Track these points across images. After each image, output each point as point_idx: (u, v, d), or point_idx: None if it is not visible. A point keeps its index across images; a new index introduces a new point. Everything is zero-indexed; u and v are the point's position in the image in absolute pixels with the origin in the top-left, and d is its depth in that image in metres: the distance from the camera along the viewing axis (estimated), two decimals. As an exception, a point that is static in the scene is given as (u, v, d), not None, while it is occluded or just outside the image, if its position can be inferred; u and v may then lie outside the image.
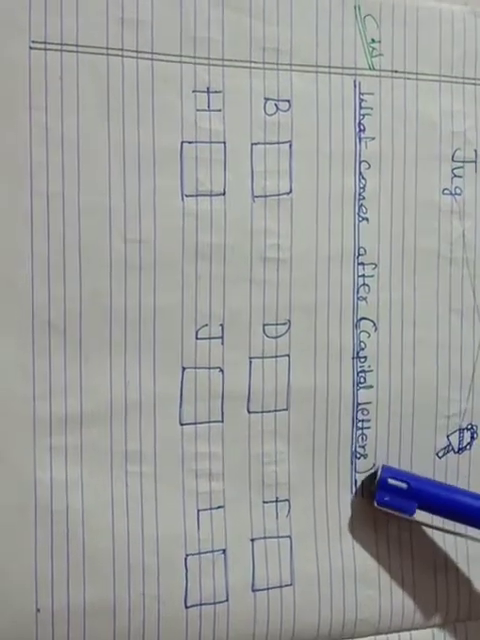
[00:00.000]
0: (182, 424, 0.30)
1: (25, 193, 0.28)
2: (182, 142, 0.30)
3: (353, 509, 0.33)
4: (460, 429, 0.34)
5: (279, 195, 0.31)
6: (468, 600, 0.34)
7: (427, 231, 0.33)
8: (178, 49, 0.30)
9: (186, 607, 0.30)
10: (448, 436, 0.34)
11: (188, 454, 0.30)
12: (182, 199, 0.30)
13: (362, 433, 0.33)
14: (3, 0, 0.28)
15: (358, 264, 0.32)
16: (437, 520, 0.33)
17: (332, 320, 0.32)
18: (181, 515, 0.30)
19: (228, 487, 0.31)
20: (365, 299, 0.33)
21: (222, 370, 0.31)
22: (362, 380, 0.33)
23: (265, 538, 0.32)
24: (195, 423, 0.31)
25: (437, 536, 0.34)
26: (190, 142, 0.30)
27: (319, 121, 0.32)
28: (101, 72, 0.29)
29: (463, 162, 0.34)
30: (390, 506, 0.31)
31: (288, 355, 0.32)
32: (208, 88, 0.30)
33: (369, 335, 0.33)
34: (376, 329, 0.33)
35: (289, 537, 0.32)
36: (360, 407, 0.33)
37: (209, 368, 0.31)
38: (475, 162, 0.34)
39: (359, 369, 0.33)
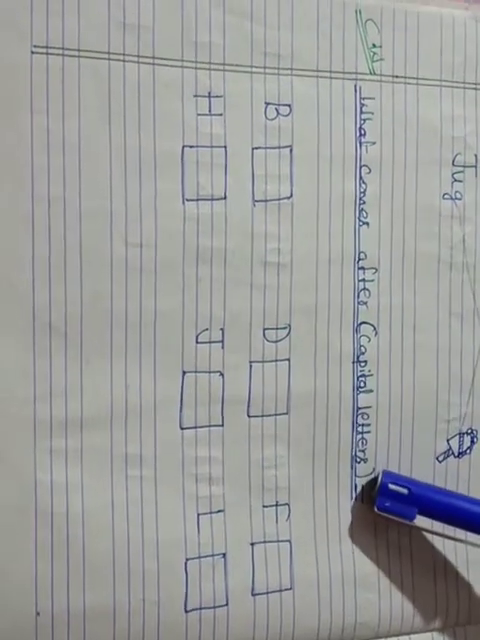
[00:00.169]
0: (182, 428, 0.30)
1: (26, 196, 0.28)
2: (183, 146, 0.30)
3: (353, 513, 0.33)
4: (460, 433, 0.34)
5: (280, 199, 0.31)
6: (468, 604, 0.34)
7: (427, 235, 0.33)
8: (179, 53, 0.30)
9: (186, 611, 0.30)
10: (448, 440, 0.34)
11: (188, 458, 0.31)
12: (183, 203, 0.30)
13: (362, 437, 0.33)
14: (5, 4, 0.28)
15: (358, 268, 0.32)
16: (437, 525, 0.33)
17: (332, 324, 0.32)
18: (181, 519, 0.30)
19: (228, 491, 0.31)
20: (365, 303, 0.33)
21: (222, 374, 0.31)
22: (362, 384, 0.33)
23: (265, 542, 0.32)
24: (195, 427, 0.31)
25: (437, 541, 0.34)
26: (191, 146, 0.30)
27: (320, 125, 0.32)
28: (103, 76, 0.29)
29: (463, 167, 0.34)
30: (391, 511, 0.31)
31: (288, 359, 0.32)
32: (209, 92, 0.30)
33: (369, 339, 0.33)
34: (376, 333, 0.33)
35: (289, 541, 0.32)
36: (360, 411, 0.33)
37: (209, 372, 0.31)
38: (475, 167, 0.34)
39: (359, 373, 0.33)
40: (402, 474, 0.33)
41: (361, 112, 0.32)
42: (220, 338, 0.31)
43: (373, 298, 0.33)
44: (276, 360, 0.31)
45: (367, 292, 0.33)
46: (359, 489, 0.33)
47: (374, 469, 0.33)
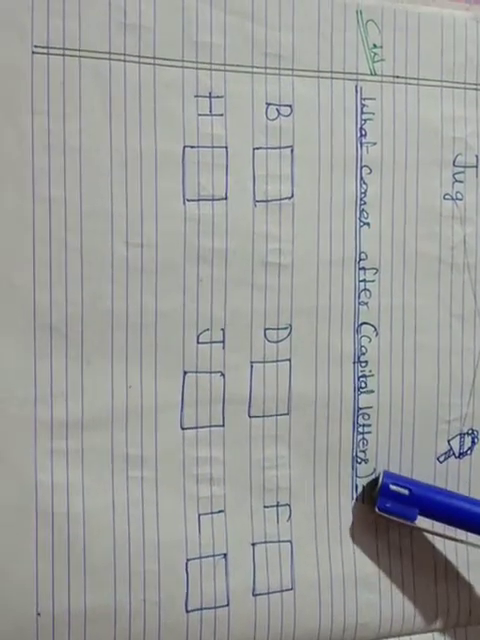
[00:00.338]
0: (183, 428, 0.30)
1: (27, 197, 0.28)
2: (184, 147, 0.30)
3: (354, 514, 0.33)
4: (461, 434, 0.34)
5: (281, 200, 0.31)
6: (468, 605, 0.34)
7: (428, 236, 0.33)
8: (180, 54, 0.30)
9: (187, 611, 0.30)
10: (449, 441, 0.34)
11: (189, 458, 0.31)
12: (184, 203, 0.30)
13: (363, 438, 0.33)
14: (5, 4, 0.28)
15: (359, 269, 0.32)
16: (438, 526, 0.33)
17: (333, 325, 0.32)
18: (182, 519, 0.30)
19: (229, 491, 0.31)
20: (366, 304, 0.33)
21: (223, 374, 0.31)
22: (363, 385, 0.33)
23: (266, 542, 0.32)
24: (196, 427, 0.31)
25: (437, 541, 0.34)
26: (192, 147, 0.30)
27: (321, 126, 0.32)
28: (103, 77, 0.29)
29: (464, 167, 0.34)
30: (392, 512, 0.31)
31: (289, 360, 0.32)
32: (210, 93, 0.30)
33: (370, 340, 0.33)
34: (377, 334, 0.33)
35: (290, 542, 0.32)
36: (361, 412, 0.33)
37: (210, 372, 0.31)
38: (476, 167, 0.34)
39: (360, 374, 0.33)
40: (403, 475, 0.33)
41: (362, 112, 0.32)
42: (221, 338, 0.31)
43: (374, 298, 0.33)
44: (277, 360, 0.31)
45: (368, 292, 0.33)
46: (360, 490, 0.33)
47: (375, 470, 0.33)
